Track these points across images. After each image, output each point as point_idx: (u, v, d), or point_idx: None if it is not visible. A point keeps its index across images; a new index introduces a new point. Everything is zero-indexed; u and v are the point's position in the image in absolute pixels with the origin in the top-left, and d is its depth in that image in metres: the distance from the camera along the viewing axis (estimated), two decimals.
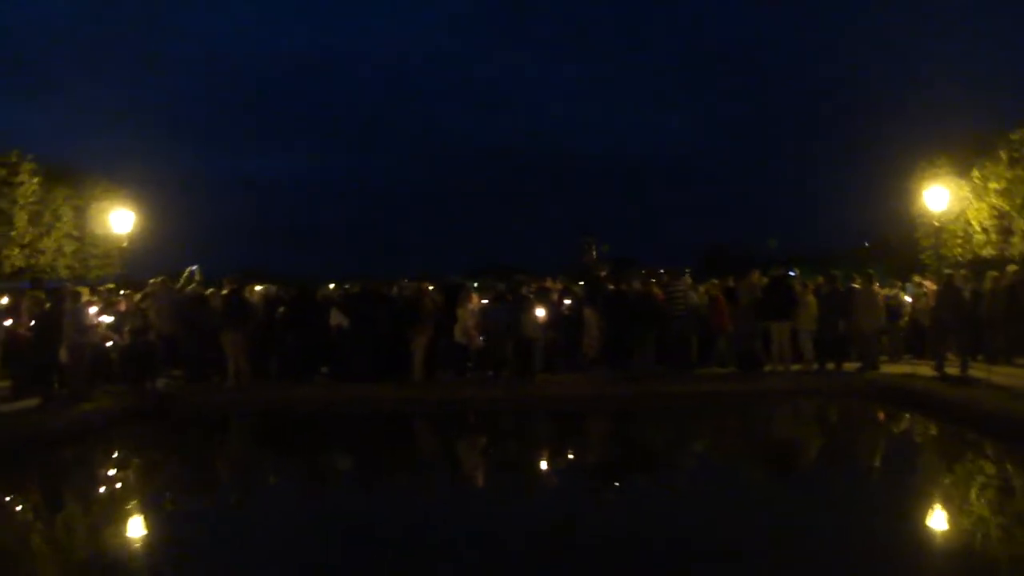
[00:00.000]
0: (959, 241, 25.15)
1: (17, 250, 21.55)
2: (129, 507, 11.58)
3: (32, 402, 17.42)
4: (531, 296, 20.20)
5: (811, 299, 20.46)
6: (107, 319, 19.08)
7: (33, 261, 22.32)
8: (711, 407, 18.54)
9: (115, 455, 15.71)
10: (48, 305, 18.24)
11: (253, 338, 20.00)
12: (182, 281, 21.86)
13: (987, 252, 23.91)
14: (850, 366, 20.10)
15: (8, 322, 17.93)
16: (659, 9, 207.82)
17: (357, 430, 17.43)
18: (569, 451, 15.85)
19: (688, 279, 22.39)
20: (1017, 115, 25.66)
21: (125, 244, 24.22)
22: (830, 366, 20.11)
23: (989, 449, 13.96)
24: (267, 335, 20.35)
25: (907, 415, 17.15)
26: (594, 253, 58.81)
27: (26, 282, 23.33)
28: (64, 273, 23.68)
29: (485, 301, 20.11)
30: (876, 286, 21.08)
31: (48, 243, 22.66)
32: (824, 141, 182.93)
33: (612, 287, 20.94)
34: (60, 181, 22.92)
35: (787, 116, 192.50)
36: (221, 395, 19.41)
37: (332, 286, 23.90)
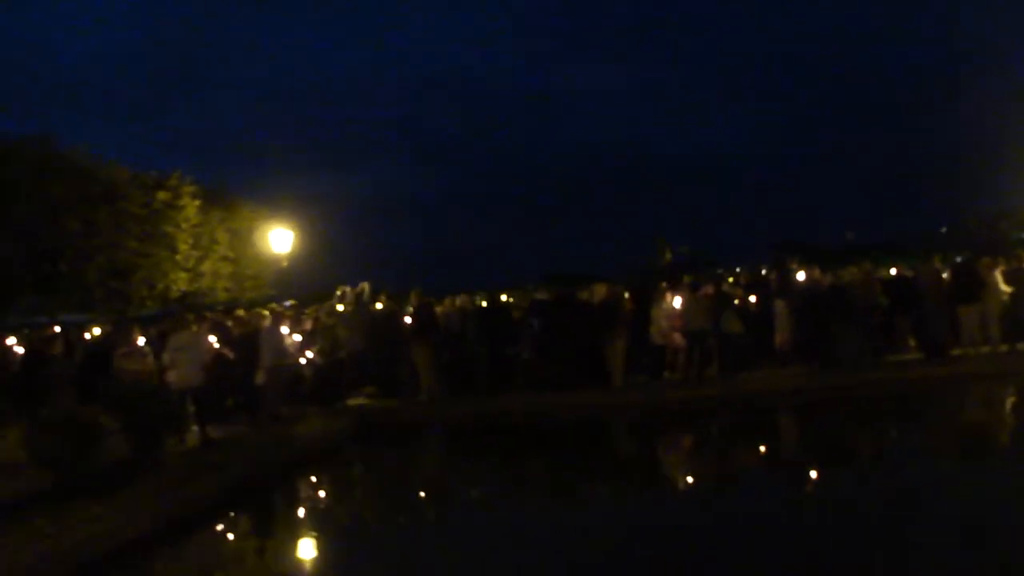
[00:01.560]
0: None
1: (183, 274, 19.89)
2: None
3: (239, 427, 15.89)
4: (731, 291, 18.46)
5: (994, 280, 18.93)
6: (298, 339, 17.43)
7: (196, 286, 20.66)
8: (928, 393, 17.10)
9: (365, 475, 14.50)
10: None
11: (444, 351, 18.28)
12: (353, 298, 20.17)
13: None
14: None
15: (213, 340, 16.16)
16: (725, 4, 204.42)
17: (575, 438, 15.80)
18: (812, 445, 14.48)
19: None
20: None
21: (285, 264, 22.60)
22: (1020, 346, 18.47)
23: None
24: (458, 347, 18.56)
25: None
26: (668, 255, 56.85)
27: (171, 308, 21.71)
28: (222, 296, 22.10)
29: (679, 299, 18.31)
30: None
31: (207, 266, 21.00)
32: (896, 129, 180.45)
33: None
34: (215, 204, 21.27)
35: (859, 106, 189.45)
36: (417, 411, 17.68)
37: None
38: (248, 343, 16.49)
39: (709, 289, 18.58)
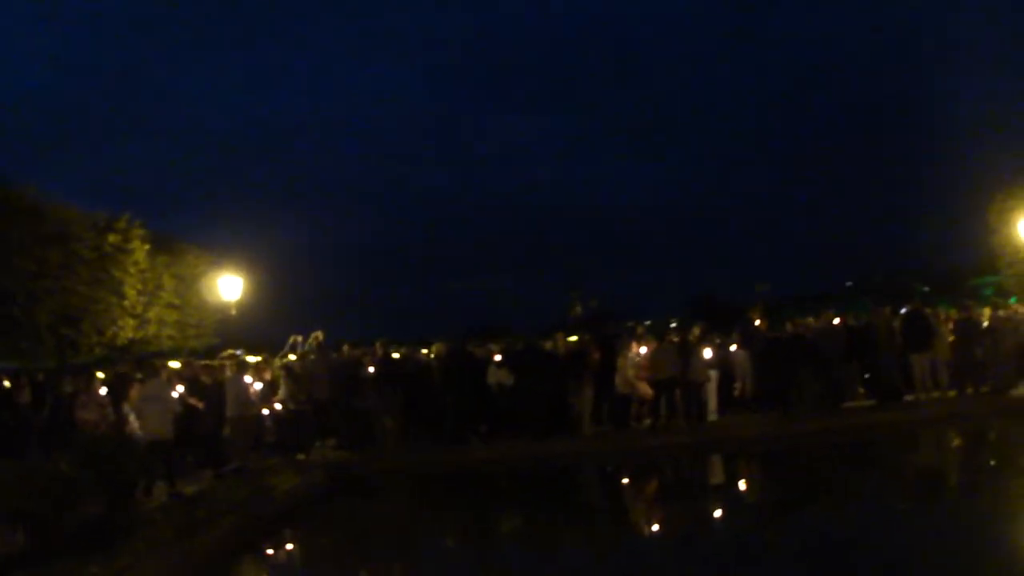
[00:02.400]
0: None
1: (131, 321, 18.94)
2: None
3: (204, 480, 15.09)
4: (698, 340, 18.40)
5: (944, 329, 19.40)
6: (259, 387, 16.77)
7: (142, 333, 19.67)
8: (889, 438, 17.45)
9: (351, 530, 13.54)
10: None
11: (408, 401, 17.75)
12: (307, 348, 19.61)
13: None
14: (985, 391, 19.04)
15: (179, 389, 15.37)
16: (639, 58, 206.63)
17: (551, 488, 15.58)
18: (780, 491, 14.48)
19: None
20: None
21: (234, 312, 21.70)
22: (968, 391, 19.04)
23: None
24: (423, 397, 18.04)
25: None
26: (578, 308, 57.05)
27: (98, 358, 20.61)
28: (167, 344, 21.08)
29: (644, 349, 18.19)
30: (1003, 314, 20.09)
31: (153, 313, 20.04)
32: (801, 186, 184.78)
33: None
34: (161, 249, 20.36)
35: (767, 162, 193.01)
36: (384, 463, 17.09)
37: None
38: (214, 393, 15.80)
39: (676, 338, 18.55)
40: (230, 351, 21.05)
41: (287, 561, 11.79)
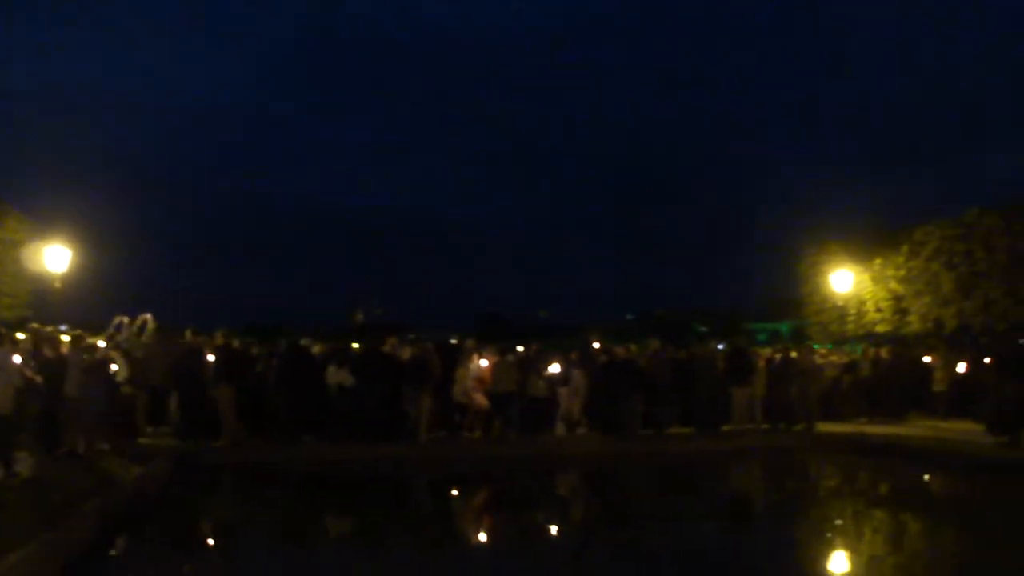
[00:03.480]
0: (851, 318, 26.34)
1: None
2: None
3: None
4: (538, 356, 19.27)
5: (762, 366, 20.97)
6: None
7: None
8: (706, 465, 18.94)
9: (214, 524, 13.57)
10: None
11: (248, 393, 17.73)
12: (134, 330, 19.21)
13: (881, 328, 25.31)
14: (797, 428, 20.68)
15: (16, 358, 14.77)
16: (449, 70, 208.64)
17: (393, 491, 16.01)
18: (599, 505, 15.50)
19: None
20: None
21: (58, 284, 20.80)
22: (781, 426, 20.76)
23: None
24: (258, 391, 18.07)
25: (869, 461, 18.47)
26: (360, 315, 57.16)
27: None
28: None
29: (484, 362, 18.86)
30: (816, 356, 21.88)
31: None
32: (601, 216, 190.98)
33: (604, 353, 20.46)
34: None
35: (576, 190, 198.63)
36: (225, 455, 17.12)
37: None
38: (55, 368, 15.35)
39: (517, 354, 19.34)
40: (34, 324, 20.33)
41: (157, 552, 11.55)
